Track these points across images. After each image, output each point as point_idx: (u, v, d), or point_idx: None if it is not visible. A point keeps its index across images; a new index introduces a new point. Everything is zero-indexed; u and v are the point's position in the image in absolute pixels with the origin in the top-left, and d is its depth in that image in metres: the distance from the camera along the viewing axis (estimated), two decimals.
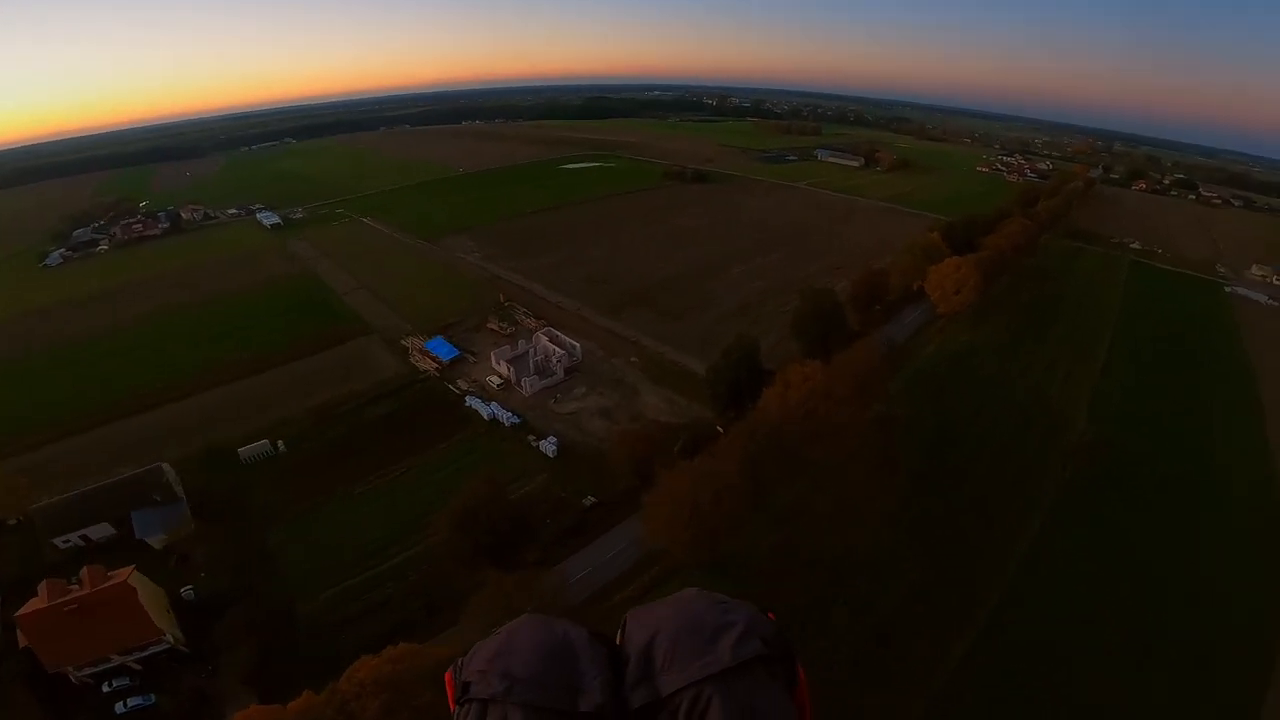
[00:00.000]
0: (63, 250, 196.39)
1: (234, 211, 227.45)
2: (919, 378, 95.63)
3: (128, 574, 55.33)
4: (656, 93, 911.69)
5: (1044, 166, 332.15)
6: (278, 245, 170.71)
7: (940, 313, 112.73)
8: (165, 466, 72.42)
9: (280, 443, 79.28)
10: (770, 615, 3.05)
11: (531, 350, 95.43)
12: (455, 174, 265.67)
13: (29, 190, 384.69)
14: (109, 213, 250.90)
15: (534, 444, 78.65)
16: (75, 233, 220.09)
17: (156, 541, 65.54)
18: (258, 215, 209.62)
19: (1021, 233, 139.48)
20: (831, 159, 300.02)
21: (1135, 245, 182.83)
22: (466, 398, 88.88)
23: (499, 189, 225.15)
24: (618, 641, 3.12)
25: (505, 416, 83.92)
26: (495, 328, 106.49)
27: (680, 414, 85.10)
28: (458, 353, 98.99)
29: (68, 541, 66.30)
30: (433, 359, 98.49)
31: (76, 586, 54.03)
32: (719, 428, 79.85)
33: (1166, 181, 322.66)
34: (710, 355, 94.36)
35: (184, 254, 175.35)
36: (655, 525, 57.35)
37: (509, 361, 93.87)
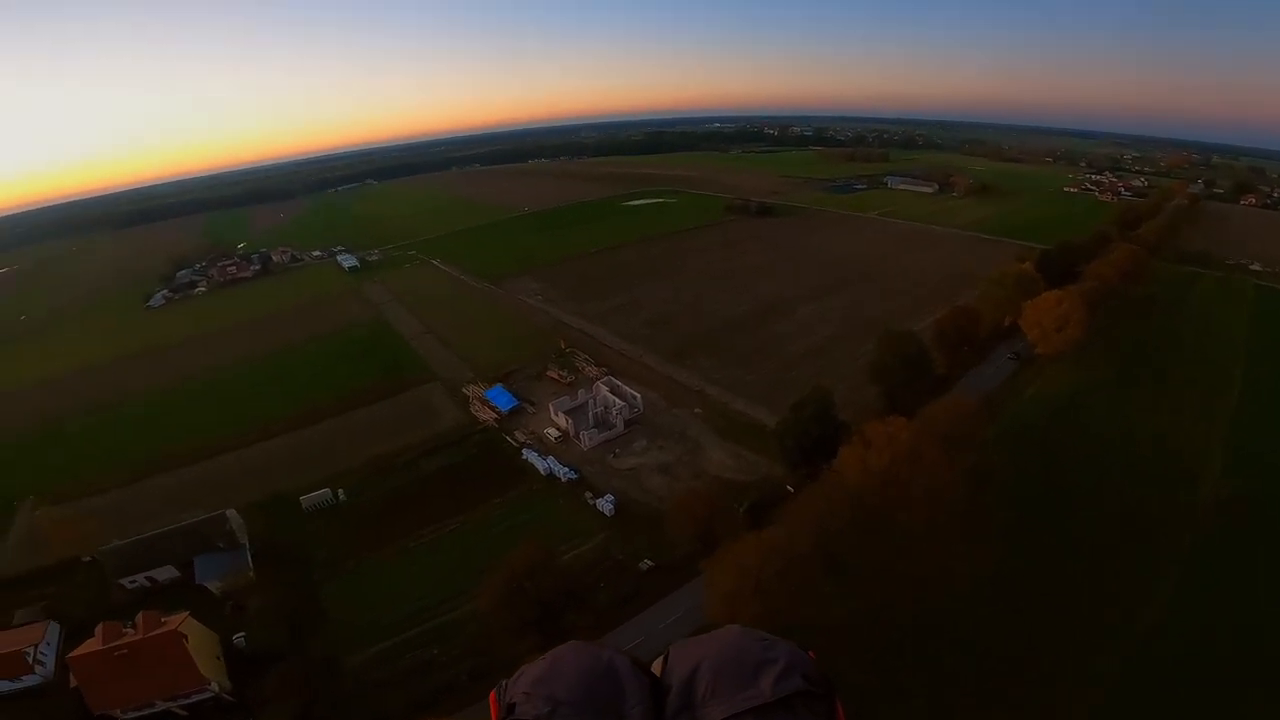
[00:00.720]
0: (165, 292, 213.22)
1: (318, 254, 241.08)
2: (1017, 427, 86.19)
3: (179, 621, 56.32)
4: (717, 125, 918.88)
5: (1139, 184, 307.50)
6: (354, 288, 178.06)
7: (1039, 352, 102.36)
8: (230, 513, 73.94)
9: (341, 492, 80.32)
10: (811, 654, 3.24)
11: (591, 401, 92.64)
12: (520, 213, 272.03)
13: (142, 231, 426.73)
14: (209, 254, 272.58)
15: (591, 502, 75.40)
16: (179, 274, 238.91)
17: (215, 587, 67.09)
18: (338, 258, 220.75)
19: (1128, 259, 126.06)
20: (903, 186, 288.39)
21: (1256, 267, 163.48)
22: (524, 450, 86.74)
23: (562, 229, 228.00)
24: (659, 672, 3.28)
25: (562, 471, 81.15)
26: (555, 376, 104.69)
27: (747, 470, 79.59)
28: (516, 402, 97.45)
29: (134, 582, 68.77)
30: (492, 409, 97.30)
31: (131, 630, 55.23)
32: (789, 487, 74.06)
33: (1277, 195, 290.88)
34: (779, 405, 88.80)
35: (271, 297, 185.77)
36: (717, 597, 52.36)
37: (567, 413, 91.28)
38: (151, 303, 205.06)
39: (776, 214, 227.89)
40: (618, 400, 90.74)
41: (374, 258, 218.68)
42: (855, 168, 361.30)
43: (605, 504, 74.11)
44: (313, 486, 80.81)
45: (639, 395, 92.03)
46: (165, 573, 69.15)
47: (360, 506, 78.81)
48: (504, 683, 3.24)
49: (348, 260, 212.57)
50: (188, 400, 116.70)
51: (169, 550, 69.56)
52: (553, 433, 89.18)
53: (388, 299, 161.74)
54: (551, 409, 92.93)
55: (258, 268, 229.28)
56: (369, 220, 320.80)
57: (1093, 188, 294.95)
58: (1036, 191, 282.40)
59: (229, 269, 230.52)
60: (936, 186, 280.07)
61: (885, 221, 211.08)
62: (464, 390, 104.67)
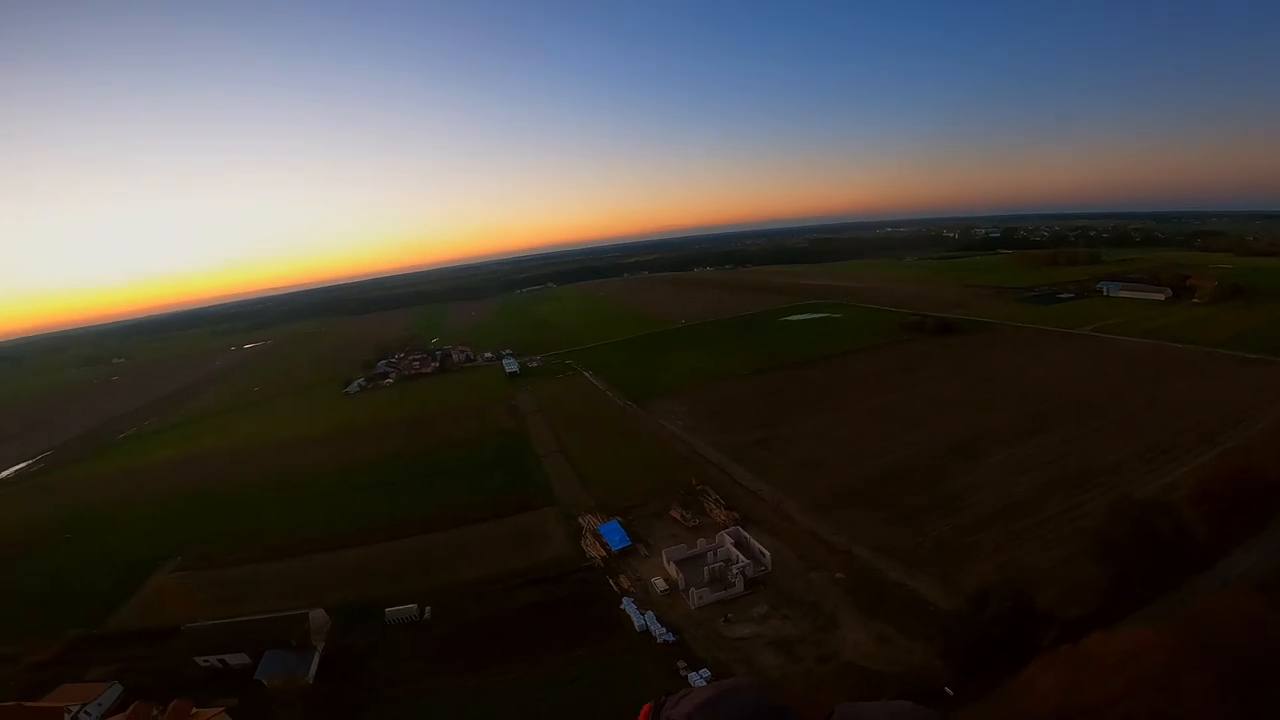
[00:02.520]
0: (360, 381, 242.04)
1: (489, 355, 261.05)
2: None
3: (212, 716, 58.87)
4: (889, 230, 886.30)
5: None
6: (508, 395, 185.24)
7: None
8: (316, 614, 75.16)
9: (428, 610, 77.96)
10: None
11: (710, 553, 78.92)
12: (677, 326, 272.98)
13: (367, 319, 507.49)
14: (407, 346, 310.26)
15: (683, 673, 62.47)
16: (380, 364, 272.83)
17: (270, 684, 67.43)
18: (503, 361, 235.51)
19: None
20: (1124, 293, 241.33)
21: None
22: (624, 599, 75.46)
23: (715, 345, 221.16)
24: None
25: (659, 631, 68.69)
26: (678, 516, 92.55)
27: (894, 659, 59.92)
28: (629, 542, 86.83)
29: (207, 661, 72.16)
30: (603, 545, 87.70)
31: (158, 715, 57.79)
32: (948, 689, 53.34)
33: None
34: (952, 577, 68.33)
35: (440, 394, 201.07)
36: None
37: (680, 563, 78.48)
38: (349, 389, 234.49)
39: (961, 331, 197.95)
40: (741, 556, 75.98)
41: (534, 364, 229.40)
42: (1058, 273, 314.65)
43: (699, 680, 60.14)
44: (403, 598, 79.37)
45: (768, 553, 76.31)
46: (238, 658, 71.05)
47: (442, 628, 75.17)
48: (664, 698, 3.32)
49: (510, 365, 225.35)
50: (334, 488, 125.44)
51: (245, 638, 72.20)
52: (660, 583, 76.59)
53: (533, 409, 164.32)
54: (664, 556, 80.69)
55: (437, 365, 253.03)
56: (541, 324, 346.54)
57: None
58: None
59: (414, 363, 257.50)
60: (1170, 291, 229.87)
61: (1104, 339, 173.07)
62: (579, 520, 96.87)
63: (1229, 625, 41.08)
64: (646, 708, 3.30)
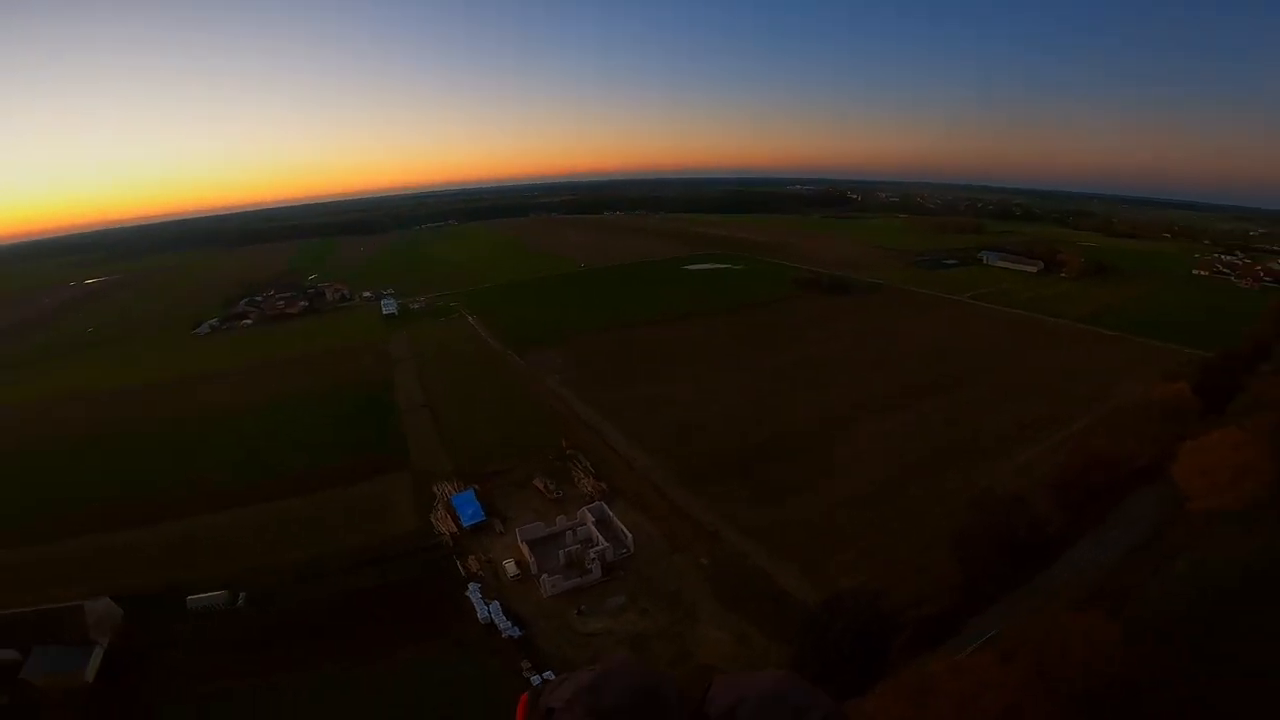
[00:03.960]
0: (213, 322, 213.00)
1: (368, 295, 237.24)
2: (1159, 620, 57.40)
3: None
4: (798, 186, 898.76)
5: (1277, 266, 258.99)
6: (380, 339, 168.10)
7: (1193, 508, 72.52)
8: (98, 604, 64.41)
9: (242, 596, 68.07)
10: (846, 713, 3.38)
11: (569, 532, 71.58)
12: (575, 270, 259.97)
13: (246, 251, 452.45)
14: (278, 283, 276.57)
15: (527, 674, 55.57)
16: (241, 303, 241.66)
17: (39, 683, 59.13)
18: (382, 302, 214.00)
19: None
20: (1001, 263, 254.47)
21: None
22: (470, 585, 67.21)
23: (612, 291, 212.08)
24: (701, 701, 3.34)
25: (504, 625, 61.26)
26: (542, 487, 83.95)
27: (752, 663, 55.66)
28: (483, 517, 77.81)
29: None
30: (454, 519, 78.27)
31: None
32: None
33: None
34: (816, 567, 65.01)
35: (305, 338, 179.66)
36: None
37: (534, 544, 70.67)
38: (198, 330, 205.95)
39: (854, 290, 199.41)
40: (601, 537, 69.13)
41: (417, 305, 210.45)
42: (947, 239, 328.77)
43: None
44: (214, 582, 69.09)
45: (630, 535, 69.88)
46: (8, 654, 61.39)
47: (258, 617, 65.44)
48: (540, 685, 3.30)
49: (389, 306, 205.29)
50: (151, 448, 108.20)
51: (16, 633, 62.57)
52: (512, 567, 68.65)
53: (406, 356, 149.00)
54: (518, 534, 72.49)
55: (305, 305, 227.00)
56: (435, 262, 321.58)
57: (1226, 270, 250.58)
58: (1161, 274, 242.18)
59: (279, 303, 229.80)
60: (1042, 265, 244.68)
61: (981, 308, 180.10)
62: (434, 488, 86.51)
63: (1068, 647, 38.08)
64: (524, 697, 3.26)
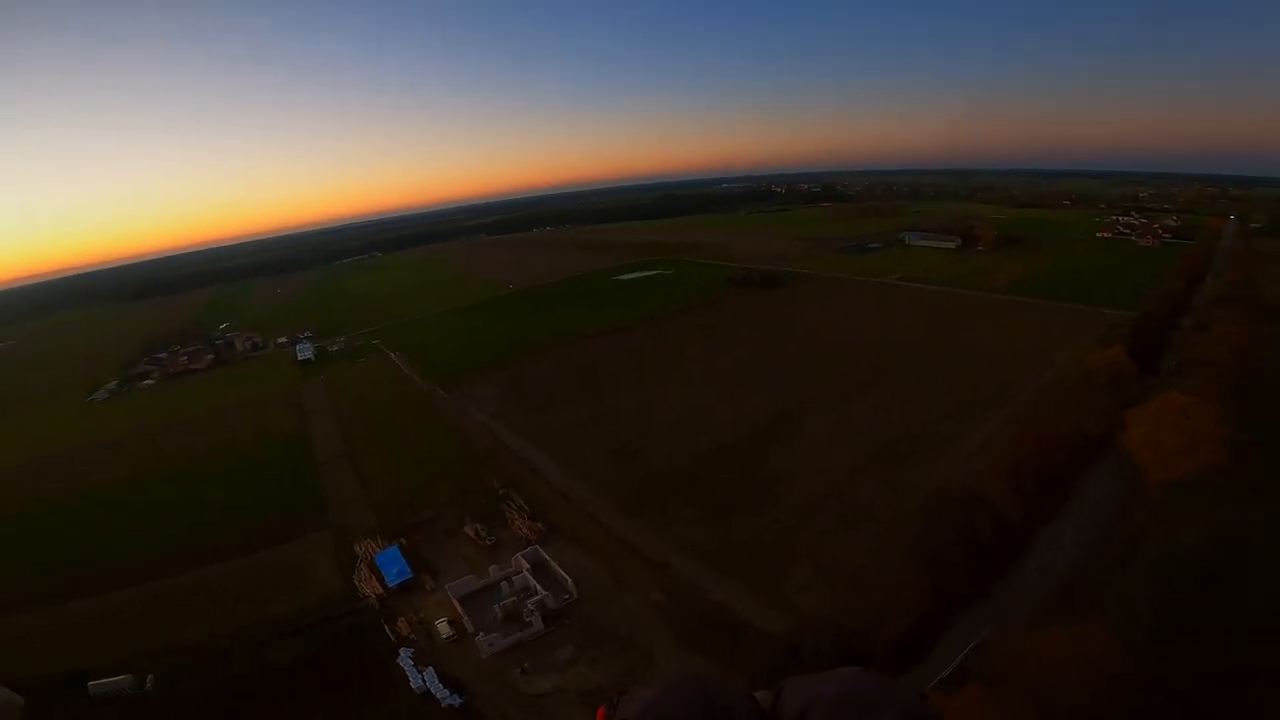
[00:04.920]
0: (112, 385, 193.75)
1: (283, 340, 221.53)
2: (1142, 613, 55.76)
3: None
4: (725, 185, 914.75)
5: (1172, 223, 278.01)
6: (294, 388, 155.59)
7: (1150, 479, 72.23)
8: None
9: (150, 679, 61.21)
10: (928, 698, 3.24)
11: (504, 583, 65.00)
12: (504, 292, 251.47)
13: (148, 304, 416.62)
14: (181, 338, 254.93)
15: None
16: (142, 361, 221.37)
17: None
18: (298, 347, 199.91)
19: (1240, 331, 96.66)
20: (923, 242, 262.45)
21: None
22: (401, 650, 59.98)
23: (542, 311, 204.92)
24: (771, 707, 3.36)
25: (441, 693, 54.82)
26: (473, 534, 76.92)
27: None
28: (409, 574, 70.23)
29: None
30: (379, 579, 70.36)
31: None
32: None
33: None
34: (775, 591, 60.55)
35: (209, 395, 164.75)
36: None
37: (466, 599, 63.85)
38: (95, 396, 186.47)
39: (785, 283, 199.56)
40: (538, 586, 62.84)
41: (335, 348, 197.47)
42: (868, 224, 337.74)
43: None
44: (121, 665, 62.21)
45: (569, 578, 63.85)
46: None
47: (168, 701, 59.00)
48: (614, 699, 3.35)
49: (305, 351, 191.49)
50: (45, 527, 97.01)
51: None
52: (445, 627, 61.55)
53: (322, 404, 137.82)
54: (448, 591, 65.38)
55: (211, 358, 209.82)
56: (356, 298, 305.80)
57: (1127, 231, 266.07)
58: (1068, 240, 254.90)
59: (181, 359, 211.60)
60: (959, 241, 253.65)
61: (908, 287, 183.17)
62: (357, 547, 78.17)
63: (1059, 669, 34.78)
64: (601, 710, 3.30)
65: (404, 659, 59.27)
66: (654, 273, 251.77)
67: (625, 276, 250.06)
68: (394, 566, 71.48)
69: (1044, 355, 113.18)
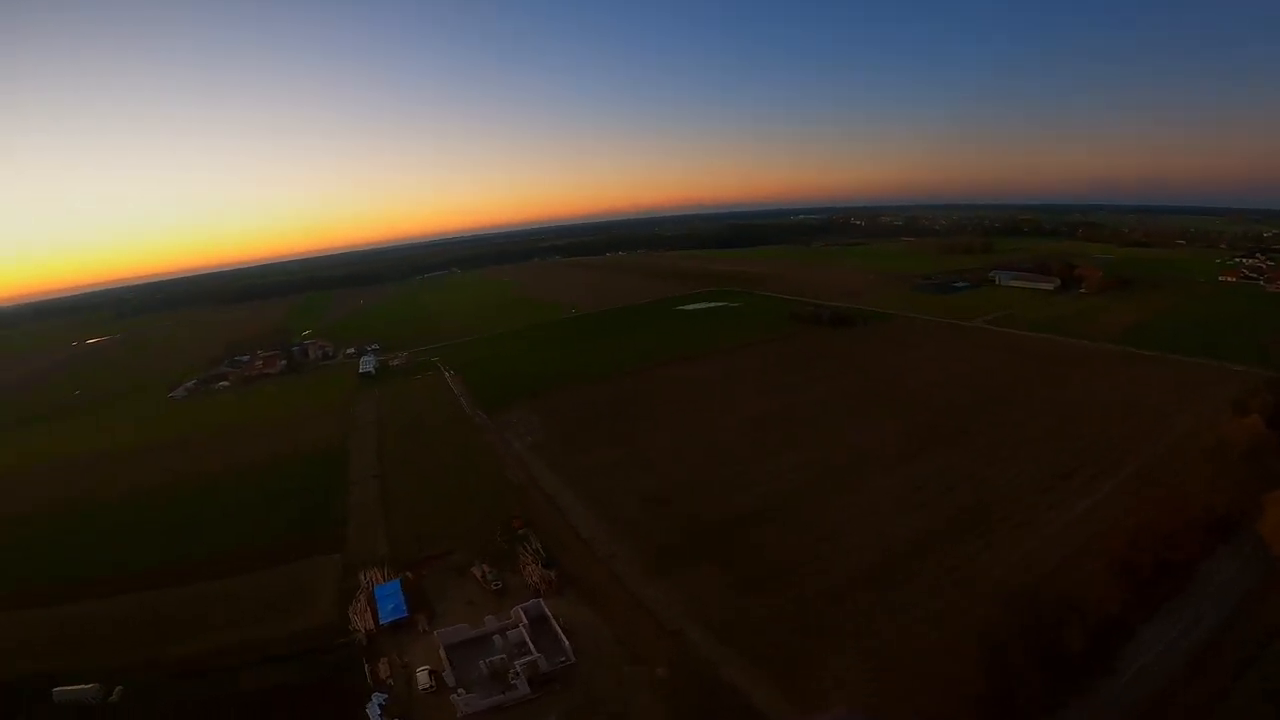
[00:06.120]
0: (190, 385, 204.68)
1: (350, 351, 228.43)
2: None
3: None
4: (801, 216, 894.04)
5: None
6: (350, 401, 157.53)
7: None
8: None
9: (118, 690, 59.17)
10: None
11: (498, 635, 58.09)
12: (567, 316, 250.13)
13: (244, 307, 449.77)
14: (264, 342, 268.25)
15: None
16: (224, 363, 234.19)
17: None
18: (361, 359, 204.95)
19: None
20: (1015, 282, 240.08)
21: None
22: (374, 696, 53.93)
23: (600, 337, 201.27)
24: None
25: None
26: (479, 576, 70.72)
27: None
28: (404, 613, 64.69)
29: None
30: (373, 614, 65.28)
31: None
32: None
33: None
34: (803, 684, 50.10)
35: (274, 402, 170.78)
36: None
37: (454, 649, 57.36)
38: (174, 394, 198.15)
39: (855, 323, 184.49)
40: (532, 645, 55.47)
41: (396, 362, 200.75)
42: (955, 260, 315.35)
43: None
44: (94, 673, 60.60)
45: (567, 640, 56.04)
46: None
47: (127, 717, 56.37)
48: None
49: (367, 364, 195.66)
50: (86, 521, 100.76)
51: None
52: (424, 677, 55.16)
53: (370, 420, 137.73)
54: (437, 637, 59.14)
55: (284, 364, 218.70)
56: (427, 314, 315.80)
57: (1254, 275, 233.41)
58: (1185, 283, 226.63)
59: (257, 364, 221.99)
60: (1059, 281, 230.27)
61: (996, 332, 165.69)
62: (362, 575, 73.82)
63: None
64: None
65: (372, 708, 53.02)
66: (719, 304, 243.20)
67: (690, 306, 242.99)
68: (390, 602, 66.29)
69: (1160, 417, 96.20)
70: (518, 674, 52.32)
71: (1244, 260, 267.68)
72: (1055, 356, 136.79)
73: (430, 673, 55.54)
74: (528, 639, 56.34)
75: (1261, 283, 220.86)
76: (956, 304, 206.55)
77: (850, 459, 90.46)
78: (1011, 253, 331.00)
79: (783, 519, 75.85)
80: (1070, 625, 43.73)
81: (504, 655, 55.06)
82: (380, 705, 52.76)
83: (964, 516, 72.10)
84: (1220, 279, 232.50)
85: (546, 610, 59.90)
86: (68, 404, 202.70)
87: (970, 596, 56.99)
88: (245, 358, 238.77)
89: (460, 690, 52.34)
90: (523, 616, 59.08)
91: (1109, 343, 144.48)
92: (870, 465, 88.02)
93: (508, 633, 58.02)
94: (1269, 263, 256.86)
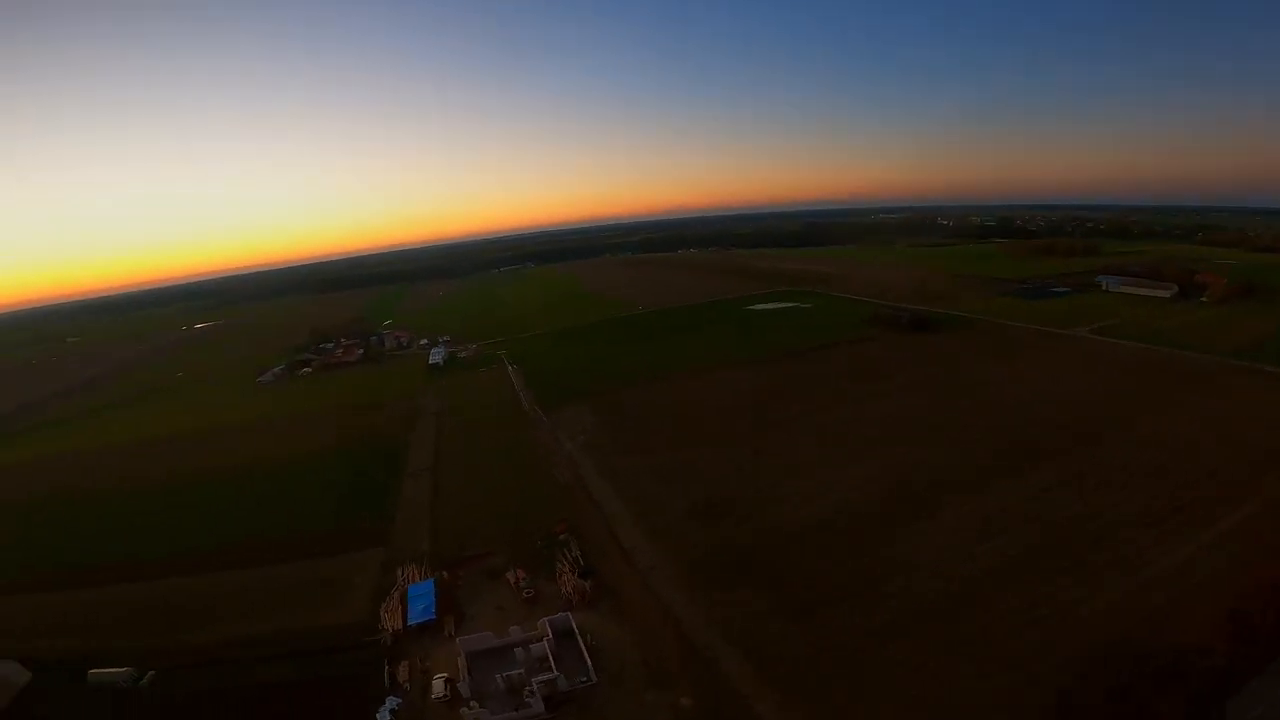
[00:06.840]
0: (276, 370, 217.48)
1: (424, 342, 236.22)
2: None
3: None
4: (882, 215, 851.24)
5: None
6: (418, 391, 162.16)
7: None
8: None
9: (149, 674, 60.69)
10: None
11: (521, 648, 55.58)
12: (633, 314, 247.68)
13: (324, 299, 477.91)
14: (346, 331, 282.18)
15: None
16: (310, 349, 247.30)
17: None
18: (431, 351, 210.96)
19: None
20: (1125, 288, 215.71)
21: None
22: (387, 700, 52.77)
23: (665, 336, 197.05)
24: None
25: None
26: (514, 581, 68.71)
27: None
28: (432, 615, 63.50)
29: None
30: (403, 615, 64.56)
31: None
32: None
33: None
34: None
35: (348, 389, 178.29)
36: None
37: (474, 657, 55.43)
38: (262, 379, 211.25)
39: (939, 328, 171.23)
40: (553, 662, 52.56)
41: (464, 354, 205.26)
42: (1053, 264, 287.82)
43: None
44: (132, 655, 62.50)
45: (589, 662, 52.70)
46: None
47: (158, 701, 57.55)
48: None
49: (436, 355, 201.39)
50: (156, 503, 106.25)
51: None
52: (440, 686, 53.37)
53: (432, 411, 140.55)
54: (459, 645, 57.35)
55: (362, 353, 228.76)
56: (499, 307, 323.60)
57: None
58: None
59: (337, 352, 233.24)
60: (1176, 288, 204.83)
61: (1101, 343, 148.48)
62: (399, 571, 73.69)
63: None
64: None
65: (384, 712, 51.81)
66: (790, 304, 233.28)
67: (759, 306, 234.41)
68: (421, 603, 65.36)
69: None
70: (533, 691, 49.50)
71: None
72: (1168, 372, 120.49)
73: (446, 681, 53.69)
74: (550, 654, 53.53)
75: None
76: (1054, 310, 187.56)
77: (924, 478, 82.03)
78: (1121, 256, 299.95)
79: (844, 540, 69.34)
80: (1170, 685, 35.96)
81: (523, 670, 52.50)
82: (391, 711, 51.46)
83: (1049, 552, 63.07)
84: None
85: (574, 625, 56.85)
86: (168, 386, 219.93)
87: (1048, 644, 49.22)
88: (329, 345, 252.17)
89: (473, 703, 50.20)
90: (548, 630, 56.27)
91: (1234, 358, 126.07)
92: (946, 486, 79.35)
93: (531, 646, 55.35)
94: None
